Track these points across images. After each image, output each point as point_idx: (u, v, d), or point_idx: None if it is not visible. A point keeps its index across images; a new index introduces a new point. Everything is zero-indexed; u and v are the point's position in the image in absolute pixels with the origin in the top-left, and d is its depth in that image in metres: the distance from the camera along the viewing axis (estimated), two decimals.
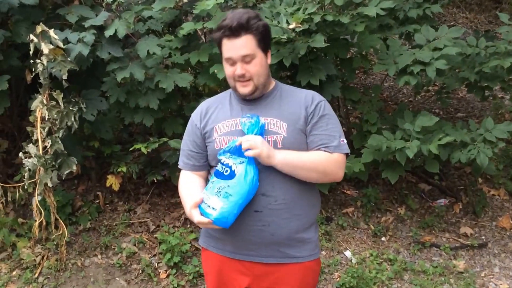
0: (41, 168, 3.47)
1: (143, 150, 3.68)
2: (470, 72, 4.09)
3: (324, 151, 2.09)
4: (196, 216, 2.01)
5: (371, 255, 3.80)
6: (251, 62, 2.04)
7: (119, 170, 3.78)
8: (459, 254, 3.87)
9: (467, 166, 4.35)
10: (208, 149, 2.18)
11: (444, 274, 3.68)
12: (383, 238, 3.98)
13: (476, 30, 5.90)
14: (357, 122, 4.53)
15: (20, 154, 3.52)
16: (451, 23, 6.54)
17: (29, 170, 3.50)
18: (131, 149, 3.78)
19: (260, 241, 2.09)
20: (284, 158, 2.04)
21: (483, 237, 4.02)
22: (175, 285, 3.52)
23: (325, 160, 2.08)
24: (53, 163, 3.52)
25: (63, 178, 3.71)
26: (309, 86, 3.93)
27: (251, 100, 2.13)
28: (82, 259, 3.67)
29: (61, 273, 3.56)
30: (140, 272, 3.61)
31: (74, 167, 3.62)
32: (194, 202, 2.03)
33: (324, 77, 3.90)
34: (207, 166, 2.22)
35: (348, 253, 3.84)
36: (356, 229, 4.04)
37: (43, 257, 3.61)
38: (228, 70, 2.08)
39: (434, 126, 3.86)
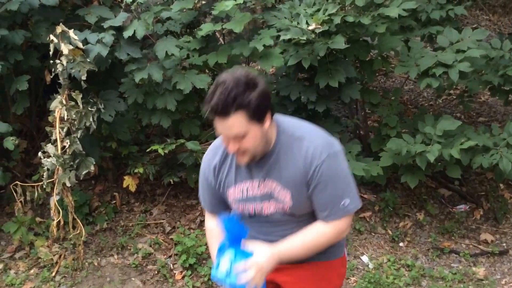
0: (60, 168, 3.49)
1: (160, 151, 3.68)
2: (493, 75, 4.01)
3: (326, 220, 2.00)
4: None
5: (389, 260, 3.75)
6: (244, 138, 1.87)
7: (136, 171, 3.78)
8: (479, 261, 3.79)
9: (489, 172, 4.27)
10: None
11: (463, 281, 3.61)
12: (401, 244, 3.92)
13: (500, 33, 5.80)
14: (376, 125, 4.47)
15: (39, 153, 3.54)
16: (474, 26, 6.42)
17: (48, 170, 3.52)
18: (148, 150, 3.78)
19: None
20: (288, 257, 2.00)
21: (504, 244, 3.94)
22: (190, 287, 3.51)
23: (326, 236, 2.02)
24: (71, 163, 3.54)
25: (81, 179, 3.73)
26: (328, 89, 3.90)
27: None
28: (99, 258, 3.69)
29: (78, 273, 3.58)
30: (156, 272, 3.61)
31: (92, 168, 3.64)
32: None
33: (344, 79, 3.86)
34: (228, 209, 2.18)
35: (365, 258, 3.79)
36: (373, 234, 3.99)
37: (60, 256, 3.63)
38: (225, 145, 1.95)
39: (455, 131, 3.79)
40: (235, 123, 1.82)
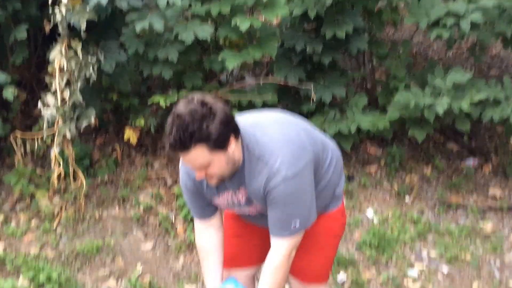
0: (60, 119, 3.44)
1: (162, 103, 3.61)
2: (506, 26, 3.87)
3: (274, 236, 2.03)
4: None
5: (394, 214, 3.70)
6: (209, 167, 1.85)
7: (137, 123, 3.73)
8: (487, 216, 3.74)
9: (499, 126, 4.16)
10: None
11: (470, 236, 3.57)
12: (407, 198, 3.86)
13: None
14: (383, 79, 4.37)
15: (39, 104, 3.49)
16: None
17: (48, 121, 3.48)
18: (149, 102, 3.72)
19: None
20: None
21: None
22: (192, 240, 3.49)
23: (281, 267, 2.04)
24: (72, 114, 3.49)
25: (81, 131, 3.68)
26: (335, 40, 3.79)
27: None
28: (100, 211, 3.67)
29: (79, 224, 3.57)
30: (158, 225, 3.60)
31: (93, 119, 3.59)
32: None
33: (351, 30, 3.74)
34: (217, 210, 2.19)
35: (369, 213, 3.74)
36: (378, 188, 3.92)
37: (61, 208, 3.61)
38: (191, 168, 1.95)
39: (466, 83, 3.68)
40: (197, 156, 1.80)
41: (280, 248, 2.02)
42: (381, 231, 3.54)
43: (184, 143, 1.75)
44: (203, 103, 1.76)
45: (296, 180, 1.90)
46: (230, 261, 2.35)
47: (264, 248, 2.14)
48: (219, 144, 1.80)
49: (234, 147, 1.85)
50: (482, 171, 4.05)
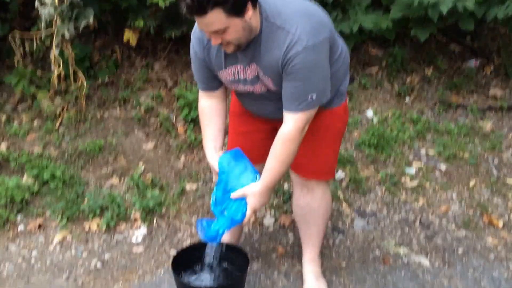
0: (58, 18, 3.39)
1: (161, 3, 3.53)
2: None
3: (288, 111, 2.02)
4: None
5: (394, 114, 3.71)
6: (226, 32, 1.84)
7: (136, 24, 3.67)
8: (487, 116, 3.75)
9: (502, 27, 4.10)
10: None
11: (469, 135, 3.59)
12: (407, 98, 3.85)
13: None
14: None
15: (36, 3, 3.43)
16: None
17: (46, 20, 3.43)
18: (148, 2, 3.64)
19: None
20: (274, 182, 2.13)
21: None
22: (193, 139, 3.53)
23: (292, 140, 2.05)
24: (70, 13, 3.43)
25: (80, 31, 3.63)
26: None
27: None
28: (101, 111, 3.69)
29: (81, 124, 3.60)
30: (159, 125, 3.63)
31: (91, 19, 3.53)
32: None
33: None
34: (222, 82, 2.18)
35: (369, 113, 3.75)
36: (379, 89, 3.92)
37: (63, 108, 3.63)
38: (206, 35, 1.93)
39: None
40: (213, 20, 1.80)
41: (294, 122, 2.02)
42: (380, 131, 3.56)
43: (201, 6, 1.76)
44: None
45: (315, 51, 1.91)
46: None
47: (270, 144, 2.14)
48: (236, 9, 1.81)
49: (251, 15, 1.86)
50: (483, 72, 4.03)
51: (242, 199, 2.14)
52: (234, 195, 2.14)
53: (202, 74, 2.17)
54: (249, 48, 1.96)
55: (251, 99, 2.20)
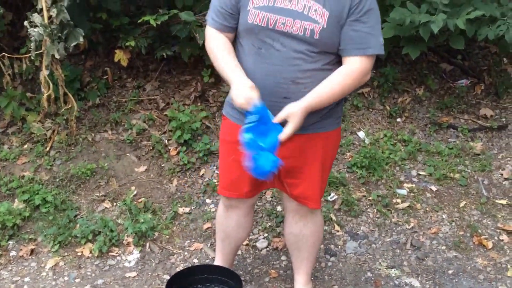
0: (47, 39, 3.35)
1: (152, 22, 3.51)
2: None
3: (357, 55, 1.95)
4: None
5: (385, 135, 3.73)
6: None
7: (127, 44, 3.64)
8: (477, 136, 3.78)
9: (493, 46, 4.13)
10: (240, 18, 2.02)
11: (459, 156, 3.61)
12: (398, 119, 3.88)
13: None
14: None
15: (25, 22, 3.39)
16: None
17: (35, 40, 3.40)
18: (139, 21, 3.61)
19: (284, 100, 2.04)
20: (317, 106, 1.98)
21: (504, 119, 3.90)
22: (185, 162, 3.52)
23: (351, 79, 1.98)
24: (59, 34, 3.40)
25: (70, 51, 3.60)
26: None
27: None
28: (93, 134, 3.66)
29: (72, 148, 3.57)
30: (151, 148, 3.61)
31: (81, 39, 3.49)
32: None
33: None
34: (235, 29, 2.06)
35: (361, 134, 3.76)
36: (371, 109, 3.93)
37: (53, 131, 3.60)
38: None
39: (462, 0, 3.60)
40: None
41: (361, 63, 1.97)
42: (372, 152, 3.58)
43: None
44: None
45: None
46: (231, 188, 2.33)
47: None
48: None
49: None
50: (474, 91, 4.05)
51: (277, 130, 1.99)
52: (277, 118, 1.96)
53: (223, 6, 2.03)
54: None
55: (264, 57, 2.02)
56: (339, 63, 2.03)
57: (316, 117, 2.09)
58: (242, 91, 1.94)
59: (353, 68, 1.97)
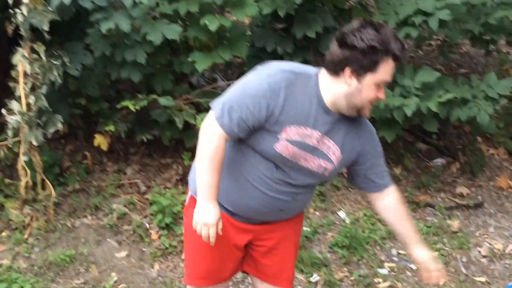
0: (25, 126, 3.36)
1: (131, 107, 3.54)
2: (474, 23, 3.91)
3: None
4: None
5: (365, 215, 3.77)
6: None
7: (107, 129, 3.66)
8: (454, 214, 3.84)
9: (467, 125, 4.25)
10: (262, 141, 1.94)
11: (437, 234, 3.67)
12: None
13: None
14: None
15: (3, 110, 3.40)
16: None
17: (13, 128, 3.39)
18: (118, 106, 3.64)
19: (272, 218, 2.16)
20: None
21: (479, 197, 3.98)
22: (167, 246, 3.49)
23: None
24: (38, 120, 3.40)
25: (49, 137, 3.61)
26: (306, 40, 3.77)
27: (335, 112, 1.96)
28: (72, 220, 3.61)
29: (51, 234, 3.51)
30: (132, 233, 3.57)
31: (60, 125, 3.51)
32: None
33: (321, 29, 3.73)
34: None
35: (342, 214, 3.80)
36: (350, 189, 3.98)
37: (32, 218, 3.54)
38: (372, 94, 1.88)
39: (434, 82, 3.73)
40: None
41: (396, 191, 2.24)
42: (352, 232, 3.60)
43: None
44: None
45: None
46: (208, 275, 2.26)
47: (240, 257, 2.24)
48: None
49: None
50: (450, 170, 4.14)
51: None
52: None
53: (246, 120, 1.89)
54: (339, 120, 1.96)
55: (272, 188, 2.01)
56: None
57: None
58: (210, 217, 1.94)
59: (397, 196, 2.25)
